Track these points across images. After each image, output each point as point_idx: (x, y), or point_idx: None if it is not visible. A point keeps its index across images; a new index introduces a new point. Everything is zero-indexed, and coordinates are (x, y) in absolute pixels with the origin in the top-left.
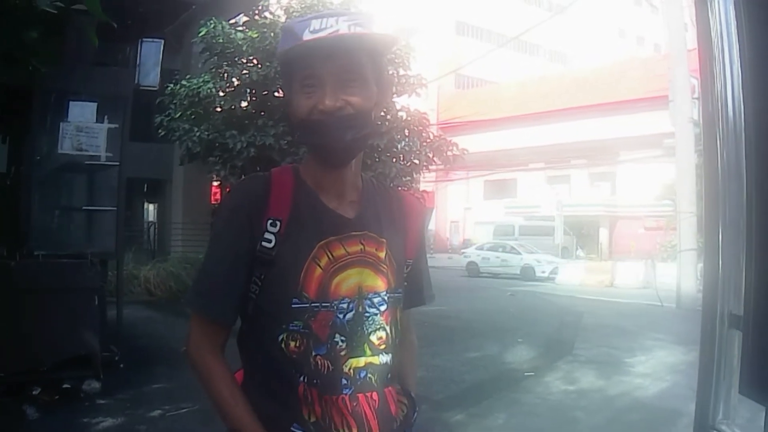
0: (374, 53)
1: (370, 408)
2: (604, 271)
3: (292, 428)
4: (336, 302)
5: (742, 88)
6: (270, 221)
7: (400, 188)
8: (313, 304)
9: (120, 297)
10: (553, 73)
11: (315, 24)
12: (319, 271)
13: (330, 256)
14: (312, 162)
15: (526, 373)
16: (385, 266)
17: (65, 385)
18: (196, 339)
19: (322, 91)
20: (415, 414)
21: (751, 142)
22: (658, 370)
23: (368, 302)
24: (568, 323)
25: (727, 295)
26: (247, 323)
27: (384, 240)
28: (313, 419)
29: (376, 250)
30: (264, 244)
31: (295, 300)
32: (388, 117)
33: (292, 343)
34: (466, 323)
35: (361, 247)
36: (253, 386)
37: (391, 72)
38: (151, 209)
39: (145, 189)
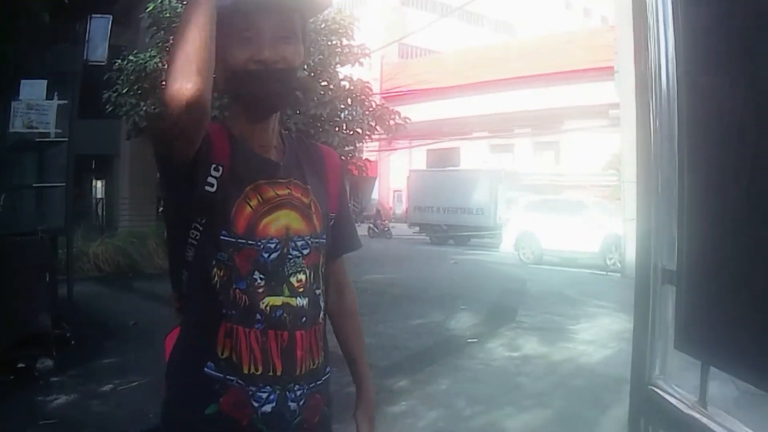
0: (306, 15)
1: (278, 346)
2: None
3: (205, 369)
4: (264, 241)
5: (675, 55)
6: (214, 166)
7: (320, 143)
8: (239, 240)
9: (70, 274)
10: (499, 43)
11: None
12: (248, 209)
13: (260, 198)
14: (237, 115)
15: (469, 340)
16: (309, 211)
17: (20, 365)
18: None
19: (260, 43)
20: (328, 373)
21: (682, 100)
22: (601, 336)
23: (293, 245)
24: (511, 290)
25: (660, 250)
26: (187, 270)
27: (308, 187)
28: (226, 354)
29: (301, 195)
30: (207, 188)
31: (223, 232)
32: (331, 86)
33: (219, 273)
34: (410, 291)
35: (289, 191)
36: (183, 335)
37: (334, 42)
38: (99, 185)
39: (93, 165)
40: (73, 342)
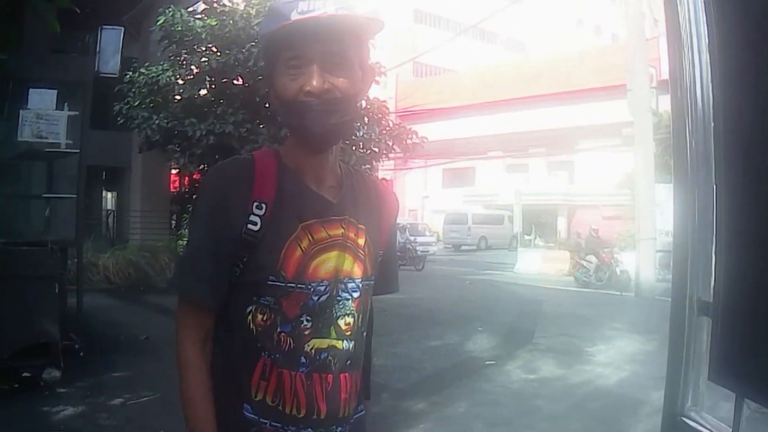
0: (360, 38)
1: (322, 389)
2: (562, 259)
3: (243, 410)
4: (314, 284)
5: (711, 77)
6: (256, 204)
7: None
8: (288, 284)
9: (80, 285)
10: (511, 62)
11: (302, 5)
12: (299, 252)
13: (311, 238)
14: (293, 146)
15: (486, 362)
16: (362, 253)
17: (25, 374)
18: (182, 328)
19: (309, 72)
20: (361, 411)
21: (719, 129)
22: (617, 358)
23: (342, 286)
24: (527, 312)
25: (696, 281)
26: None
27: (362, 226)
28: (259, 397)
29: (355, 235)
30: (250, 227)
31: (272, 278)
32: None
33: (260, 316)
34: (427, 311)
35: (342, 230)
36: (216, 365)
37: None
38: (109, 197)
39: (104, 177)
40: (81, 353)
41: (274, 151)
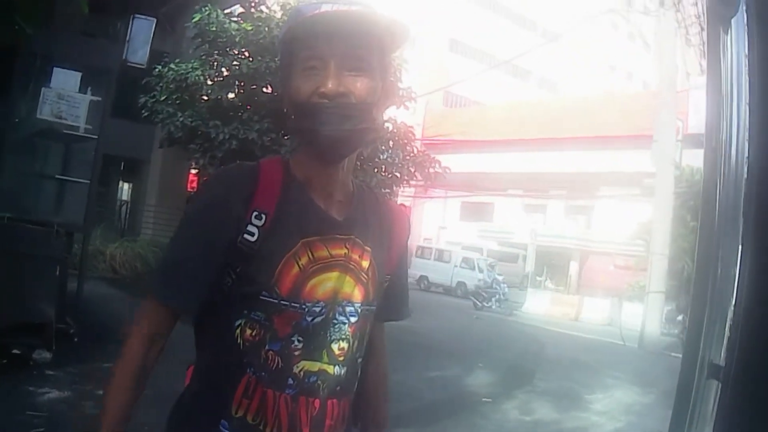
0: (382, 44)
1: (307, 414)
2: (570, 304)
3: (220, 426)
4: (309, 304)
5: (749, 134)
6: (255, 214)
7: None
8: (282, 302)
9: (83, 271)
10: (541, 101)
11: (326, 6)
12: (296, 269)
13: (311, 256)
14: (304, 156)
15: (483, 399)
16: (365, 276)
17: (15, 351)
18: (139, 320)
19: (325, 73)
20: None
21: (751, 187)
22: (613, 408)
23: (340, 309)
24: (530, 353)
25: (710, 341)
26: (209, 311)
27: (369, 249)
28: (240, 414)
29: (359, 257)
30: (246, 236)
31: (264, 293)
32: None
33: (249, 331)
34: (430, 341)
35: (346, 251)
36: (198, 378)
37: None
38: (126, 188)
39: (122, 167)
40: (75, 339)
41: (284, 160)
